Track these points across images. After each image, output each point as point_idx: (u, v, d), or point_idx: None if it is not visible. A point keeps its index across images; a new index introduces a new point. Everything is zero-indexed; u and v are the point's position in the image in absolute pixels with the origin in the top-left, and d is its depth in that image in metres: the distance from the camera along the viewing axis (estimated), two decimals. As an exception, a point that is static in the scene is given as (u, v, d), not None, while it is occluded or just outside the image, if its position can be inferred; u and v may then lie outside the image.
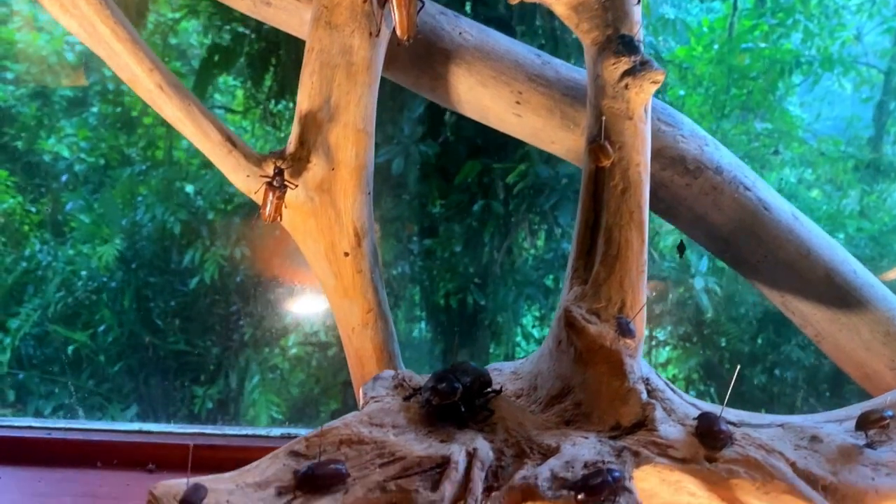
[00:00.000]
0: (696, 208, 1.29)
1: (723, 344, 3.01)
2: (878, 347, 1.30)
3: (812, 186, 3.78)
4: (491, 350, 3.18)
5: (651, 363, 1.21)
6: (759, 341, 3.10)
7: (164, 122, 3.28)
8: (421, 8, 1.07)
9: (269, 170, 1.12)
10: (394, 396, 0.95)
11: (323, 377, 3.18)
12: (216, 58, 2.95)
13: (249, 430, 1.86)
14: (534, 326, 3.30)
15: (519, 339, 3.29)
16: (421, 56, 1.26)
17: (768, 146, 3.68)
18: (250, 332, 3.11)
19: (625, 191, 1.02)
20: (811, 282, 1.30)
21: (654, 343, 3.03)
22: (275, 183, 1.12)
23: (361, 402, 0.97)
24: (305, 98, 1.15)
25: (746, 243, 1.30)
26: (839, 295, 1.29)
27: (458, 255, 3.16)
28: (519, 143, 2.91)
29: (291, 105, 2.89)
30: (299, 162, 1.14)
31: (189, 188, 3.24)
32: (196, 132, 1.14)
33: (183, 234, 3.12)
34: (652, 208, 1.26)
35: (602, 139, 1.01)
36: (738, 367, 0.99)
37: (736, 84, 3.67)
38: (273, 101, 2.94)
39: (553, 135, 1.27)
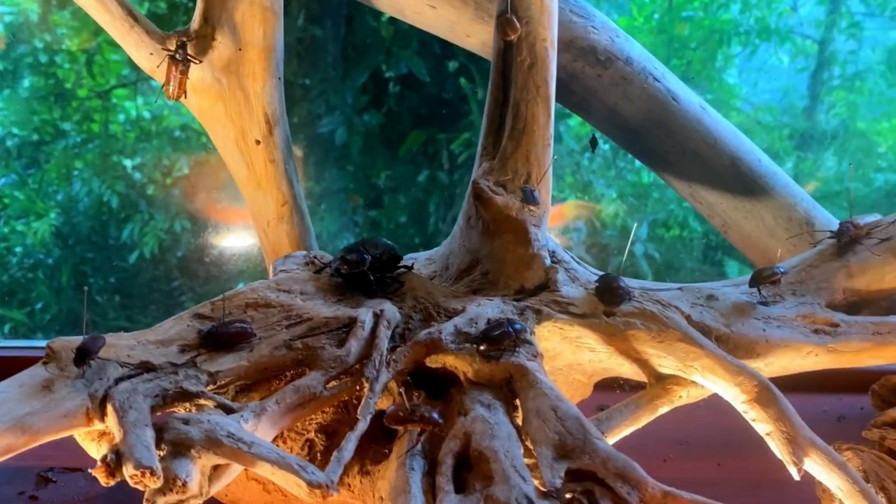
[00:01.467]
0: (607, 100, 1.34)
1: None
2: (781, 233, 1.38)
3: None
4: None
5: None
6: (698, 305, 3.20)
7: (99, 95, 3.25)
8: None
9: (173, 45, 1.13)
10: (304, 270, 0.99)
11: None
12: (152, 26, 2.92)
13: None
14: (479, 296, 3.38)
15: (465, 309, 3.36)
16: None
17: None
18: (192, 307, 3.09)
19: (531, 66, 1.06)
20: (717, 171, 1.37)
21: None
22: (177, 56, 1.13)
23: (270, 275, 1.01)
24: None
25: (655, 134, 1.36)
26: (744, 182, 1.37)
27: (404, 226, 3.20)
28: (463, 113, 2.96)
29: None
30: (204, 39, 1.15)
31: (127, 162, 3.20)
32: (95, 4, 1.14)
33: (121, 209, 3.08)
34: (565, 102, 1.30)
35: (509, 13, 1.05)
36: (636, 226, 1.06)
37: (676, 54, 3.77)
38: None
39: (468, 27, 1.30)
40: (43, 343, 1.77)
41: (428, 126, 2.97)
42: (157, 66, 1.14)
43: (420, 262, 1.10)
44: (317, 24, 2.97)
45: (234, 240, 2.98)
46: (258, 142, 1.20)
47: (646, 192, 3.63)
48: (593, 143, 1.39)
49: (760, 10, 3.71)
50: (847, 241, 1.05)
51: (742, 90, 3.89)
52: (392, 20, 2.73)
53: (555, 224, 3.19)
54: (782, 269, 1.01)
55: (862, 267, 1.02)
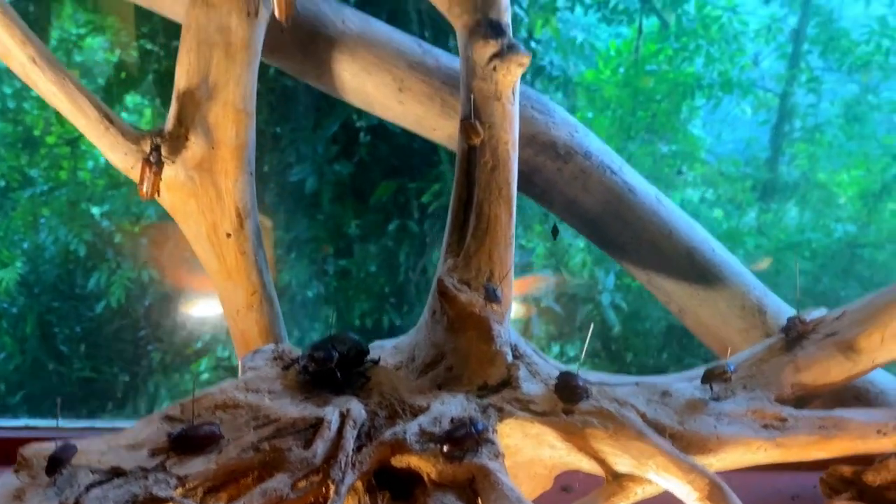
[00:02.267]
0: (567, 192, 1.38)
1: (629, 359, 3.17)
2: (735, 321, 1.42)
3: (714, 206, 3.99)
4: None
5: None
6: (664, 355, 3.27)
7: (68, 142, 3.25)
8: None
9: (147, 147, 1.15)
10: (272, 367, 1.01)
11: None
12: (123, 75, 2.95)
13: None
14: (449, 345, 3.39)
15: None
16: (305, 43, 1.30)
17: (673, 167, 3.88)
18: (159, 357, 3.09)
19: (494, 168, 1.10)
20: (673, 260, 1.42)
21: (564, 359, 3.16)
22: (151, 159, 1.15)
23: (240, 373, 1.03)
24: (183, 75, 1.18)
25: (613, 226, 1.40)
26: (699, 272, 1.42)
27: (374, 275, 3.22)
28: (433, 163, 3.01)
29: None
30: (178, 140, 1.17)
31: (95, 209, 3.14)
32: (72, 108, 1.16)
33: (88, 257, 3.03)
34: (528, 193, 1.35)
35: (472, 118, 1.08)
36: (591, 326, 1.11)
37: (642, 107, 3.86)
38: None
39: (434, 122, 1.34)
40: (11, 422, 1.77)
41: (398, 176, 3.01)
42: (132, 168, 1.17)
43: (387, 350, 1.13)
44: (288, 75, 3.00)
45: (201, 290, 2.98)
46: (229, 235, 1.22)
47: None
48: (554, 232, 1.44)
49: (723, 64, 3.83)
50: (794, 336, 1.10)
51: (706, 141, 4.00)
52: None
53: (524, 275, 3.24)
54: (732, 368, 1.06)
55: (809, 361, 1.08)
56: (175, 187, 1.19)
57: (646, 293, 3.63)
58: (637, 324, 3.32)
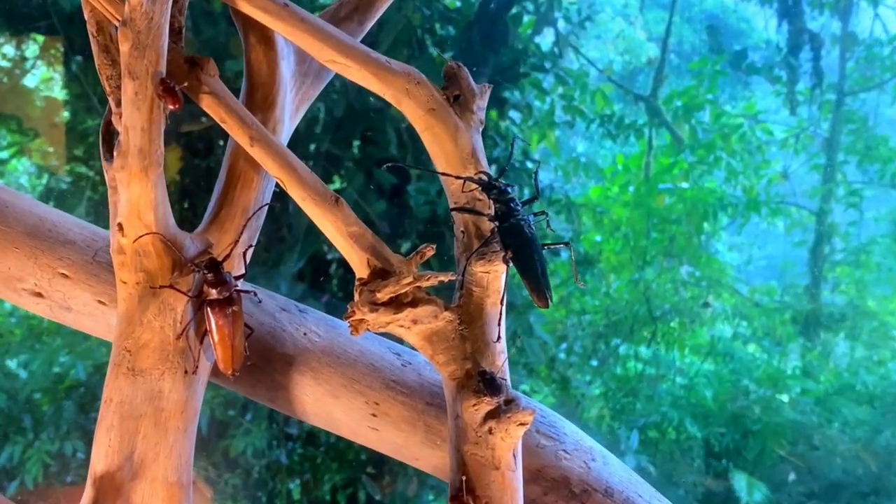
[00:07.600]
0: None
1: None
2: None
3: (748, 341, 3.84)
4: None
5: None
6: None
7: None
8: (249, 335, 1.08)
9: None
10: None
11: None
12: (52, 203, 2.83)
13: None
14: (440, 519, 3.23)
15: (424, 535, 3.22)
16: (256, 364, 1.18)
17: (697, 297, 3.74)
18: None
19: None
20: None
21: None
22: None
23: None
24: (101, 458, 1.08)
25: None
26: None
27: (347, 440, 2.94)
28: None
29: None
30: None
31: (12, 363, 2.96)
32: None
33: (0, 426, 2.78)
34: None
35: (464, 493, 1.00)
36: None
37: (657, 228, 3.71)
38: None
39: (417, 451, 1.20)
40: None
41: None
42: None
43: None
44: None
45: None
46: None
47: (634, 390, 3.36)
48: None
49: (748, 178, 3.66)
50: None
51: (733, 267, 3.79)
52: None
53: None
54: None
55: None
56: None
57: (677, 451, 3.34)
58: (670, 492, 3.01)
